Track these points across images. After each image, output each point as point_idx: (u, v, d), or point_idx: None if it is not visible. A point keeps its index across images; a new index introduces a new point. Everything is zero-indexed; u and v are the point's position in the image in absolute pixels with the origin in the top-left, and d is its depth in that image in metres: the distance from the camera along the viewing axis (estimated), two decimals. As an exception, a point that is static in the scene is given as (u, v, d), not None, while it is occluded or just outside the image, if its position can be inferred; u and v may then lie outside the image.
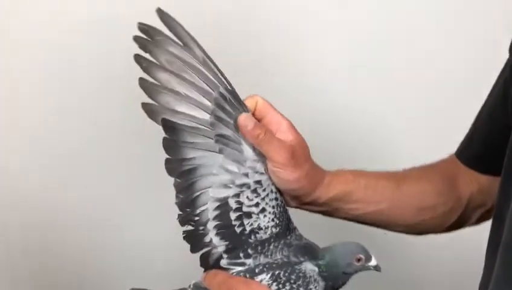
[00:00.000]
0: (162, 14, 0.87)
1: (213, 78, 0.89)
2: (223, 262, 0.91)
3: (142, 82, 0.88)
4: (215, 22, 1.53)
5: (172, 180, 0.91)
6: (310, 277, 0.89)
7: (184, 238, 0.92)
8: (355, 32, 1.60)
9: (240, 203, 0.91)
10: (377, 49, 1.60)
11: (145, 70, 0.88)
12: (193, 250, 0.92)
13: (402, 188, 1.04)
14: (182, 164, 0.90)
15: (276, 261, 0.90)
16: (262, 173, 0.92)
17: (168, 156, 0.90)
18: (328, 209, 0.99)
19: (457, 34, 1.61)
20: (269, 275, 0.89)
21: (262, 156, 0.91)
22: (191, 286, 0.91)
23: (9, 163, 1.57)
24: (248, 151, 0.91)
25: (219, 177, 0.91)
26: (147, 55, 0.88)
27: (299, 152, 0.92)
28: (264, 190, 0.92)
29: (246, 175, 0.91)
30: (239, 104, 0.90)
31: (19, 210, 1.58)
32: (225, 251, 0.91)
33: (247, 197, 0.91)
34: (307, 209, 0.98)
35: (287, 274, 0.89)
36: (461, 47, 1.61)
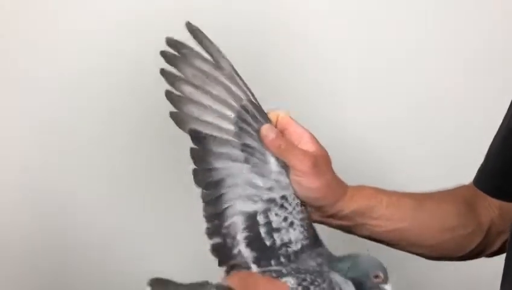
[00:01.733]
0: (191, 27, 0.91)
1: (236, 91, 0.93)
2: (252, 267, 0.91)
3: (168, 93, 0.92)
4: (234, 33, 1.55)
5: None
6: (337, 284, 0.90)
7: (212, 251, 0.92)
8: (366, 50, 1.62)
9: (269, 219, 0.92)
10: (387, 63, 1.61)
11: (170, 84, 0.91)
12: (221, 263, 0.92)
13: (424, 208, 1.05)
14: (209, 174, 0.92)
15: (305, 268, 0.90)
16: (286, 188, 0.93)
17: (195, 167, 0.92)
18: (351, 224, 1.00)
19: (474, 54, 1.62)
20: (295, 278, 0.89)
21: (285, 168, 0.93)
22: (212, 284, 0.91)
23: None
24: (272, 162, 0.93)
25: (245, 190, 0.92)
26: (173, 69, 0.92)
27: (321, 162, 0.94)
28: (290, 204, 0.93)
29: (271, 189, 0.93)
30: (261, 116, 0.93)
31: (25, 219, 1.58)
32: (255, 262, 0.91)
33: (276, 213, 0.92)
34: (329, 224, 0.99)
35: (312, 277, 0.89)
36: (478, 57, 1.61)
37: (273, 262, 0.91)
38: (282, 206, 0.93)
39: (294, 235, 0.92)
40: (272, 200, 0.93)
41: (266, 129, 0.92)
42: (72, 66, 1.55)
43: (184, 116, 0.92)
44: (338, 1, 1.62)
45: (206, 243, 0.92)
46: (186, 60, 0.91)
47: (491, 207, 1.10)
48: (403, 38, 1.62)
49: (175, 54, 0.91)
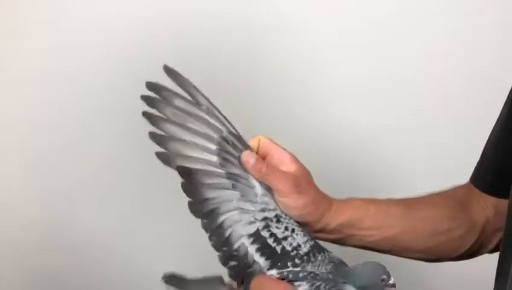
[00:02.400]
0: (168, 70, 0.98)
1: (216, 124, 0.99)
2: (273, 272, 0.95)
3: (152, 134, 0.98)
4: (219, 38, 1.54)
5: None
6: None
7: (230, 276, 0.97)
8: (367, 51, 1.63)
9: (272, 232, 0.97)
10: (387, 64, 1.63)
11: (153, 124, 0.98)
12: (237, 277, 0.97)
13: (413, 213, 1.08)
14: (204, 204, 0.97)
15: (321, 275, 0.94)
16: (275, 209, 0.99)
17: (189, 199, 0.98)
18: (341, 237, 1.04)
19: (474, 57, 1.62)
20: (309, 285, 0.93)
21: (269, 190, 0.99)
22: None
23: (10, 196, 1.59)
24: (257, 186, 0.99)
25: (240, 214, 0.98)
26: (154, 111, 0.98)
27: (303, 181, 0.99)
28: (285, 218, 0.99)
29: (263, 210, 0.98)
30: (242, 145, 0.99)
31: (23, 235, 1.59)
32: (271, 267, 0.96)
33: (276, 227, 0.97)
34: (319, 238, 1.03)
35: (327, 287, 0.93)
36: (477, 58, 1.62)
37: (289, 263, 0.96)
38: (278, 221, 0.98)
39: (300, 239, 0.97)
40: (267, 218, 0.98)
41: (246, 156, 0.98)
42: (72, 65, 1.57)
43: (170, 155, 0.98)
44: (340, 1, 1.63)
45: (208, 244, 0.97)
46: (166, 101, 0.98)
47: (486, 206, 1.13)
48: (405, 39, 1.63)
49: (155, 96, 0.98)
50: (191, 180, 0.98)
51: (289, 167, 0.99)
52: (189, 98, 0.99)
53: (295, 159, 1.01)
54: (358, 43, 1.62)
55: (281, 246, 0.97)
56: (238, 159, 0.98)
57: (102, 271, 1.64)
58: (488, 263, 1.12)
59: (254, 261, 0.97)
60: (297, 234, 0.98)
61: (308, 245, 0.97)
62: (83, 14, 1.57)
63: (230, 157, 0.98)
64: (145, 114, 0.98)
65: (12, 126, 1.59)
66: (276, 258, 0.96)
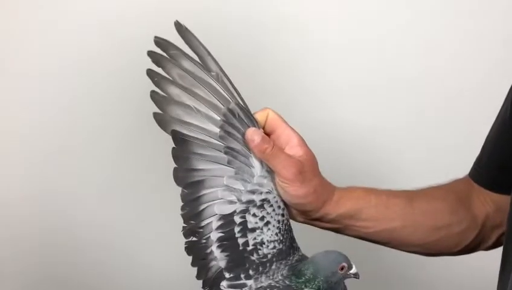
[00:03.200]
0: (179, 27, 0.89)
1: (224, 93, 0.91)
2: (224, 284, 0.91)
3: (153, 94, 0.90)
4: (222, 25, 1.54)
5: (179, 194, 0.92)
6: None
7: (186, 249, 0.93)
8: (368, 47, 1.61)
9: (245, 219, 0.92)
10: (389, 60, 1.61)
11: (156, 84, 0.90)
12: (194, 263, 0.93)
13: (414, 206, 1.03)
14: (190, 175, 0.91)
15: (277, 285, 0.90)
16: (269, 192, 0.93)
17: (176, 166, 0.91)
18: (338, 227, 0.99)
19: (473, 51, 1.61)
20: None
21: (271, 172, 0.92)
22: None
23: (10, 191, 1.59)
24: (257, 166, 0.92)
25: (225, 193, 0.92)
26: (160, 70, 0.90)
27: (308, 168, 0.92)
28: (270, 206, 0.93)
29: (253, 192, 0.92)
30: (248, 120, 0.91)
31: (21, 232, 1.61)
32: (226, 268, 0.91)
33: (254, 213, 0.92)
34: (315, 225, 0.99)
35: None
36: (475, 58, 1.60)
37: (242, 275, 0.91)
38: (261, 206, 0.92)
39: (268, 236, 0.92)
40: (251, 202, 0.92)
41: (251, 133, 0.90)
42: (72, 64, 1.56)
43: (168, 118, 0.90)
44: (341, 2, 1.60)
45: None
46: (173, 61, 0.89)
47: (486, 201, 1.09)
48: (405, 38, 1.61)
49: (162, 54, 0.89)
50: (183, 147, 0.91)
51: (296, 150, 0.93)
52: (198, 61, 0.90)
53: (303, 143, 0.94)
54: (359, 43, 1.60)
55: (244, 240, 0.91)
56: (243, 134, 0.91)
57: (102, 266, 1.64)
58: (491, 258, 1.11)
59: (211, 251, 0.92)
60: (268, 229, 0.92)
61: (271, 247, 0.91)
62: (83, 14, 1.55)
63: (233, 131, 0.91)
64: (149, 72, 0.90)
65: (12, 125, 1.58)
66: (232, 254, 0.91)
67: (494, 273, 1.06)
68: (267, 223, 0.92)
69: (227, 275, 0.91)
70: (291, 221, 0.95)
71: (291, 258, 0.92)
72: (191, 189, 0.92)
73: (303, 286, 0.88)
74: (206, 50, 0.90)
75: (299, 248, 0.93)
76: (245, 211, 0.92)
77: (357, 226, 0.99)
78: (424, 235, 1.05)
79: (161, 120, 0.91)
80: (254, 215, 0.92)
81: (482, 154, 1.11)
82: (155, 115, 0.91)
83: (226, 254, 0.91)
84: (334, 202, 0.96)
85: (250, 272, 0.91)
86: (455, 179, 1.11)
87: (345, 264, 0.89)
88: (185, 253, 0.92)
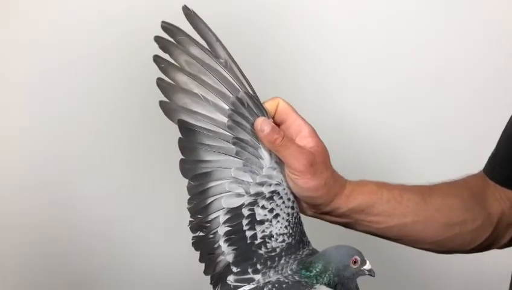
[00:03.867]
0: (188, 11, 0.86)
1: (233, 82, 0.88)
2: (230, 279, 0.88)
3: (160, 82, 0.87)
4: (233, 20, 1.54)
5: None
6: None
7: (193, 244, 0.90)
8: (375, 46, 1.60)
9: (254, 211, 0.89)
10: (396, 58, 1.60)
11: (163, 71, 0.87)
12: (201, 259, 0.90)
13: (428, 202, 1.00)
14: (197, 166, 0.89)
15: (286, 280, 0.87)
16: (278, 184, 0.90)
17: (183, 157, 0.88)
18: (349, 221, 0.96)
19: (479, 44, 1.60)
20: None
21: (280, 163, 0.89)
22: None
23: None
24: (266, 157, 0.89)
25: (232, 186, 0.89)
26: (167, 56, 0.87)
27: (319, 160, 0.89)
28: (280, 198, 0.90)
29: (262, 185, 0.89)
30: (258, 109, 0.88)
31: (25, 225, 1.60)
32: (233, 263, 0.88)
33: (262, 206, 0.89)
34: (325, 220, 0.96)
35: None
36: (483, 54, 1.59)
37: (249, 269, 0.88)
38: (270, 198, 0.89)
39: (277, 229, 0.89)
40: (259, 194, 0.89)
41: (261, 123, 0.87)
42: (73, 60, 1.55)
43: (175, 106, 0.87)
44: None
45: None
46: (180, 47, 0.86)
47: (501, 198, 1.06)
48: (407, 29, 1.59)
49: (169, 40, 0.86)
50: (190, 137, 0.88)
51: (306, 141, 0.90)
52: (207, 47, 0.87)
53: (315, 133, 0.91)
54: (370, 42, 1.59)
55: (252, 233, 0.88)
56: (252, 124, 0.88)
57: (103, 260, 1.63)
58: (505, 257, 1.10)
59: (219, 246, 0.89)
60: (277, 221, 0.89)
61: (280, 240, 0.88)
62: (83, 13, 1.54)
63: (242, 121, 0.88)
64: (155, 58, 0.87)
65: (13, 120, 1.57)
66: (240, 248, 0.88)
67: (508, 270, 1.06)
68: (276, 215, 0.89)
69: (234, 269, 0.88)
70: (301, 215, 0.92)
71: (300, 252, 0.89)
72: (198, 181, 0.89)
73: (314, 281, 0.85)
74: (215, 36, 0.87)
75: (309, 242, 0.90)
76: (253, 203, 0.89)
77: (368, 221, 0.96)
78: (437, 232, 1.01)
79: (168, 109, 0.88)
80: (263, 207, 0.89)
81: (497, 150, 1.08)
82: (161, 103, 0.88)
83: (233, 247, 0.89)
84: (345, 196, 0.93)
85: (258, 266, 0.88)
86: (467, 175, 1.08)
87: (357, 257, 0.86)
88: (188, 246, 0.90)
